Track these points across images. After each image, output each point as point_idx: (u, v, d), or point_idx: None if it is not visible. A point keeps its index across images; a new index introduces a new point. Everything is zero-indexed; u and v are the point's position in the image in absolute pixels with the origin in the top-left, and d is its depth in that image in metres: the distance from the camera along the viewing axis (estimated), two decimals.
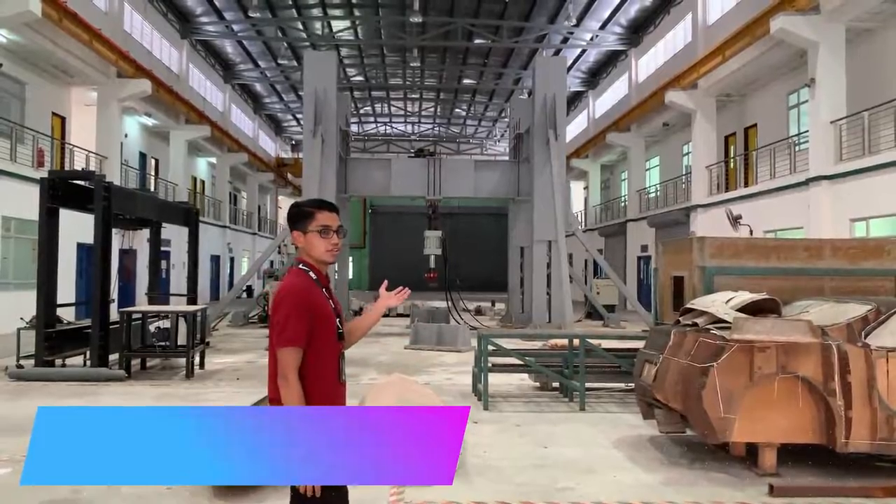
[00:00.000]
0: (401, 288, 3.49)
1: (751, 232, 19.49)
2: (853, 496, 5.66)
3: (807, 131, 18.98)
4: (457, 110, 52.39)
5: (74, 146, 22.12)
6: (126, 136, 26.96)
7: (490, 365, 9.62)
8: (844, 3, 16.76)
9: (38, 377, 10.98)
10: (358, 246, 53.68)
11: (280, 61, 38.49)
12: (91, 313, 11.65)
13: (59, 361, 11.77)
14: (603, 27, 32.62)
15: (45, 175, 11.85)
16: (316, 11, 31.87)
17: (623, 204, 35.94)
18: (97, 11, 23.81)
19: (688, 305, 7.42)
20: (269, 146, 54.06)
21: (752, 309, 6.73)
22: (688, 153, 28.41)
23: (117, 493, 5.50)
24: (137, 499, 5.43)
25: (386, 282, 3.62)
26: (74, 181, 12.48)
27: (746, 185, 23.08)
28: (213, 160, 38.89)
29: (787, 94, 21.82)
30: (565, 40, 34.30)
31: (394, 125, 57.04)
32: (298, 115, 47.56)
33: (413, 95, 48.36)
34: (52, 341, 11.39)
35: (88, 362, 11.60)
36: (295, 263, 3.16)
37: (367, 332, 3.54)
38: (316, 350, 2.97)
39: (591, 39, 34.12)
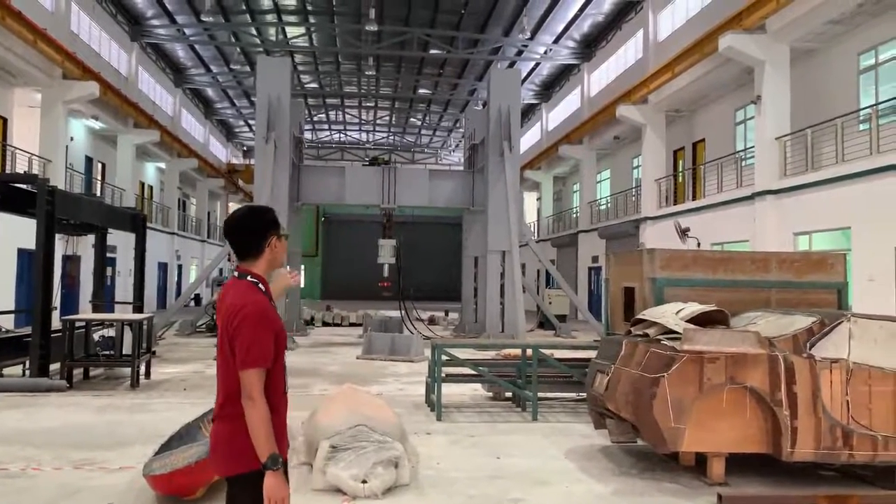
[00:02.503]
0: (295, 272, 3.54)
1: (698, 244, 19.89)
2: None
3: (753, 147, 19.48)
4: (412, 120, 52.40)
5: (17, 149, 21.41)
6: (72, 139, 26.20)
7: (443, 375, 9.60)
8: (789, 24, 17.27)
9: None
10: (310, 254, 53.16)
11: (233, 66, 37.92)
12: (32, 321, 11.27)
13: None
14: (556, 41, 33.03)
15: None
16: (270, 17, 31.53)
17: (575, 215, 36.35)
18: (42, 11, 23.12)
19: (639, 316, 7.51)
20: (221, 152, 53.20)
21: (701, 320, 6.84)
22: (638, 166, 28.89)
23: None
24: None
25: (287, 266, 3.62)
26: (15, 184, 12.08)
27: (694, 198, 23.58)
28: (162, 165, 38.04)
29: (735, 111, 22.37)
30: (520, 53, 34.60)
31: (348, 133, 56.74)
32: (251, 121, 46.99)
33: (368, 104, 48.19)
34: None
35: (28, 372, 11.21)
36: (241, 276, 2.93)
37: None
38: (276, 366, 2.88)
39: (545, 53, 34.52)
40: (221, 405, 2.84)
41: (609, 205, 31.85)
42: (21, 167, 20.80)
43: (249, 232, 2.94)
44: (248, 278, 2.91)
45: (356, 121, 52.68)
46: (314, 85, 42.61)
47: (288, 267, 3.60)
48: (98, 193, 27.66)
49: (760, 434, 6.11)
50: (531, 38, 31.75)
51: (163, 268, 37.01)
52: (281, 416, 2.91)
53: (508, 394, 10.42)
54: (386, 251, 22.21)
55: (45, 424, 8.39)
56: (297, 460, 6.74)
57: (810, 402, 6.01)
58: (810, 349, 6.23)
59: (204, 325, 22.46)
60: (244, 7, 30.02)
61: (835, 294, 8.54)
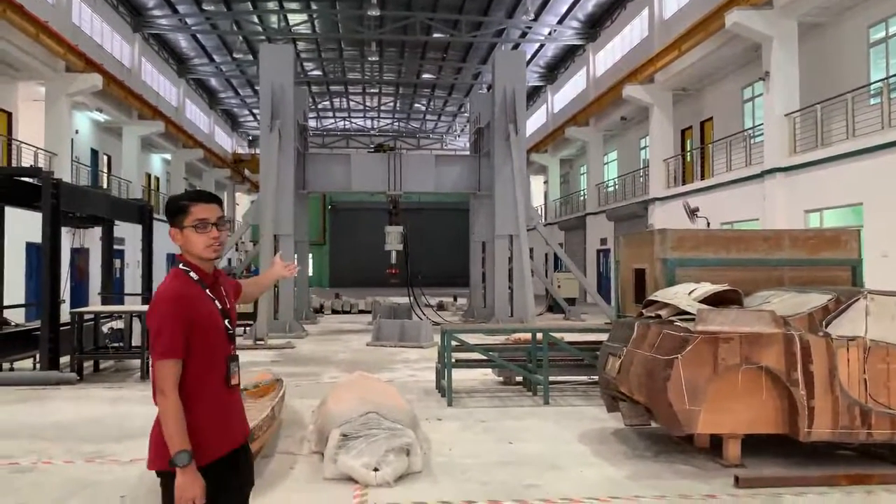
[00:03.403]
0: (293, 263, 3.54)
1: (708, 224, 19.73)
2: (817, 485, 5.68)
3: (761, 124, 19.28)
4: (416, 105, 52.14)
5: (22, 143, 21.39)
6: (77, 132, 26.18)
7: (454, 361, 9.54)
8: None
9: None
10: (318, 243, 53.15)
11: (236, 55, 37.78)
12: (41, 315, 11.25)
13: (7, 365, 11.35)
14: (560, 21, 32.73)
15: None
16: (272, 5, 31.36)
17: (582, 198, 36.16)
18: (44, 3, 23.01)
19: (651, 297, 7.41)
20: (226, 142, 53.13)
21: (714, 300, 6.73)
22: (645, 147, 28.69)
23: None
24: None
25: (280, 253, 3.62)
26: (21, 178, 12.04)
27: (703, 178, 23.38)
28: (168, 156, 38.02)
29: (742, 88, 22.12)
30: (524, 35, 34.31)
31: (353, 120, 56.55)
32: (255, 111, 46.84)
33: (372, 90, 47.89)
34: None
35: (38, 366, 11.22)
36: (177, 263, 2.87)
37: (260, 291, 3.57)
38: (198, 357, 2.70)
39: (549, 34, 34.23)
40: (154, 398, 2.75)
41: (617, 186, 31.67)
42: (27, 161, 20.78)
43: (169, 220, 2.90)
44: (180, 265, 2.85)
45: (360, 108, 52.49)
46: (318, 72, 42.42)
47: (280, 256, 3.55)
48: (104, 186, 27.67)
49: (777, 414, 6.01)
50: (535, 20, 31.47)
51: (171, 259, 36.97)
52: (223, 409, 2.80)
53: (519, 378, 10.34)
54: (393, 238, 22.12)
55: (56, 418, 8.37)
56: (308, 449, 6.71)
57: (827, 381, 5.90)
58: (826, 327, 6.11)
59: None
60: None
61: (849, 271, 8.40)
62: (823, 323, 6.14)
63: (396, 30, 32.98)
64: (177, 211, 2.83)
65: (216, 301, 2.85)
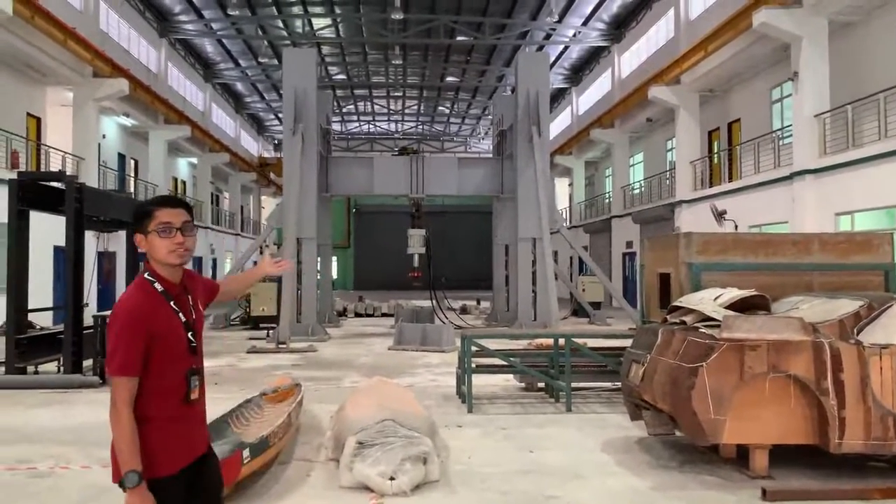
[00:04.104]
0: (284, 260, 3.47)
1: (735, 227, 19.41)
2: (849, 499, 5.47)
3: (790, 126, 18.92)
4: (440, 108, 52.13)
5: (50, 147, 21.68)
6: (104, 136, 26.50)
7: (474, 366, 9.42)
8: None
9: (9, 385, 10.63)
10: (342, 245, 53.33)
11: (261, 60, 38.09)
12: (64, 318, 11.34)
13: (31, 368, 11.45)
14: (585, 23, 32.48)
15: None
16: (296, 9, 31.51)
17: (607, 200, 35.82)
18: (72, 10, 23.34)
19: (675, 303, 7.23)
20: (252, 146, 53.54)
21: (740, 306, 6.55)
22: (672, 149, 28.31)
23: None
24: None
25: (272, 250, 3.56)
26: (46, 182, 12.16)
27: (730, 180, 23.01)
28: (194, 160, 38.41)
29: (770, 89, 21.72)
30: (548, 37, 34.09)
31: (377, 124, 56.71)
32: (280, 114, 47.07)
33: (396, 93, 48.02)
34: (23, 348, 11.07)
35: (62, 369, 11.30)
36: (140, 272, 2.77)
37: (245, 288, 3.51)
38: (156, 373, 2.62)
39: (574, 36, 33.98)
40: None
41: (643, 189, 31.33)
42: (55, 166, 21.06)
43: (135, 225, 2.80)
44: (145, 275, 2.75)
45: (385, 111, 52.60)
46: (342, 76, 42.58)
47: (268, 255, 3.47)
48: (131, 190, 27.97)
49: (806, 425, 5.81)
50: (559, 21, 31.25)
51: (197, 262, 37.36)
52: (180, 425, 2.71)
53: (542, 384, 10.20)
54: (415, 241, 22.08)
55: (75, 421, 8.38)
56: (324, 456, 6.63)
57: (859, 390, 5.69)
58: (858, 335, 5.90)
59: (238, 318, 22.60)
60: (270, 0, 30.07)
61: (882, 276, 8.16)
62: (855, 330, 5.93)
63: (420, 33, 32.98)
64: (142, 215, 2.73)
65: (180, 313, 2.74)
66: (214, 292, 3.14)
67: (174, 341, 2.69)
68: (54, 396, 10.10)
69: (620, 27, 32.61)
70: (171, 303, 2.73)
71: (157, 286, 2.72)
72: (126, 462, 2.52)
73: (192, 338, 2.77)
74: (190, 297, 2.85)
